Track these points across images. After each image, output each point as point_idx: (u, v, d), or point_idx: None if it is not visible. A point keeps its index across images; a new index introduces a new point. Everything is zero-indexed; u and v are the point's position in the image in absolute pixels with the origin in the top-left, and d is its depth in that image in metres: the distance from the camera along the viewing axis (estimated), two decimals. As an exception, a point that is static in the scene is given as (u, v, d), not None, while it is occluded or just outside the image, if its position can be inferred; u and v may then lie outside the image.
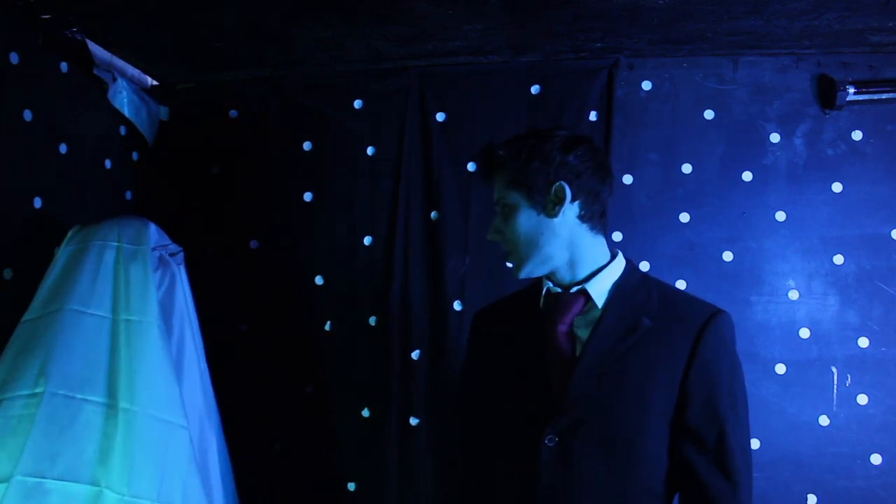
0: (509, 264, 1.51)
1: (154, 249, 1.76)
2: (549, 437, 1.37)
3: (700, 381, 1.36)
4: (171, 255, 1.80)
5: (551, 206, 1.42)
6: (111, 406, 1.59)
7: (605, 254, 1.47)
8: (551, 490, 1.36)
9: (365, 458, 2.30)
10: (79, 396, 1.57)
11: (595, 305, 1.43)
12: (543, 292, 1.49)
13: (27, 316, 1.66)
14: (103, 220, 1.81)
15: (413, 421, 2.28)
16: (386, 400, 2.30)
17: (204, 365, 1.88)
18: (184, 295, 1.82)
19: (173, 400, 1.66)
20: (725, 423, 1.35)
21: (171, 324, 1.77)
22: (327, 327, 2.36)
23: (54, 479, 1.51)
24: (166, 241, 1.82)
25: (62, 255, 1.73)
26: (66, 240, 1.76)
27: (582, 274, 1.44)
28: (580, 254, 1.44)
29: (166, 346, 1.70)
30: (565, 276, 1.46)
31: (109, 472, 1.55)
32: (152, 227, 1.80)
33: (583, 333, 1.42)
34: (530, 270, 1.45)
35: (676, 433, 1.37)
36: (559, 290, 1.46)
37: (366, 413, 2.32)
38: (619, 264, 1.47)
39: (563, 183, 1.41)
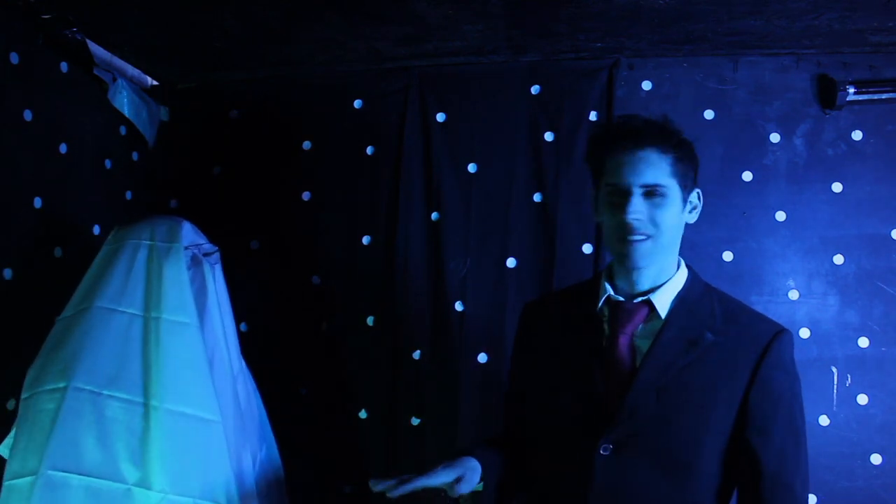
0: (635, 246, 1.34)
1: (187, 248, 1.74)
2: (605, 445, 1.34)
3: (761, 401, 1.33)
4: (206, 254, 1.77)
5: (690, 210, 1.41)
6: (143, 404, 1.58)
7: (675, 264, 1.43)
8: (602, 498, 1.35)
9: (362, 461, 2.30)
10: (105, 392, 1.56)
11: (658, 316, 1.39)
12: (603, 298, 1.43)
13: (62, 314, 1.68)
14: (139, 220, 1.79)
15: (414, 421, 2.27)
16: (384, 401, 2.30)
17: (238, 366, 1.84)
18: (216, 295, 1.78)
19: (209, 397, 1.65)
20: (785, 443, 1.33)
21: (202, 324, 1.74)
22: (324, 327, 2.36)
23: (79, 475, 1.50)
24: (201, 239, 1.79)
25: (99, 254, 1.73)
26: (106, 240, 1.76)
27: (645, 283, 1.40)
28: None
29: (201, 344, 1.68)
30: (626, 283, 1.41)
31: (144, 471, 1.54)
32: (186, 226, 1.77)
33: (643, 344, 1.38)
34: (660, 265, 1.39)
35: (734, 451, 1.34)
36: (621, 298, 1.41)
37: (363, 414, 2.32)
38: (683, 274, 1.43)
39: (699, 191, 1.43)
